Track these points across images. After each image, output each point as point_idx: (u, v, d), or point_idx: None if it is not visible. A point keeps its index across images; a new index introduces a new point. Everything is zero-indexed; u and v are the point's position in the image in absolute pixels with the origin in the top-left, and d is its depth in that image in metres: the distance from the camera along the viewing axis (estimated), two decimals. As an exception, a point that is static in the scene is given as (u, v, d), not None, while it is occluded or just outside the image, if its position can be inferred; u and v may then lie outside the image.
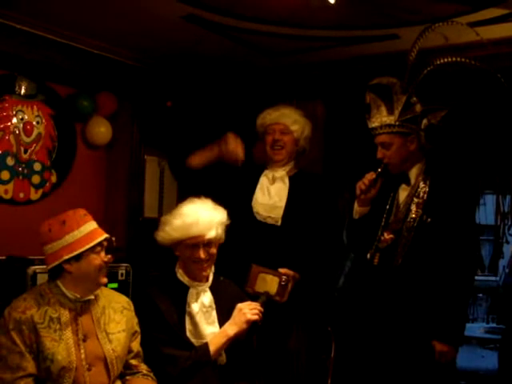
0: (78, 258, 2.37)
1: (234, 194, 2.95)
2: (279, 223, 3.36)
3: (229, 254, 3.00)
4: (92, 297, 2.46)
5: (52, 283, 2.44)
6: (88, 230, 2.41)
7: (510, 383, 4.49)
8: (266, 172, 3.49)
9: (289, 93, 4.14)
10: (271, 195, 3.41)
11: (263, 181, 3.46)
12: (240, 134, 3.56)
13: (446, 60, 2.89)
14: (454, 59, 2.89)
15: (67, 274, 2.40)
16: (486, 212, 4.84)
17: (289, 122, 3.45)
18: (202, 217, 2.70)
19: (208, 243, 2.71)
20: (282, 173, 3.47)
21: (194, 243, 2.69)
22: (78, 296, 2.41)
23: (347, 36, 3.56)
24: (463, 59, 2.89)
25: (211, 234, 2.71)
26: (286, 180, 3.45)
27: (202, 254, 2.70)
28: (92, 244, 2.39)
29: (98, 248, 2.43)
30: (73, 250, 2.36)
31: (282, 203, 3.38)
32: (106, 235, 2.46)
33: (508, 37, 3.42)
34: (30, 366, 2.26)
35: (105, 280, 2.48)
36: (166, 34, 3.64)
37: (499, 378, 5.04)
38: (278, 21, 3.35)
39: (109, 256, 2.47)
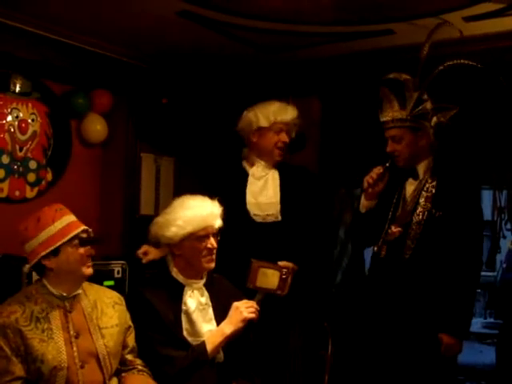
0: (55, 253, 2.36)
1: (224, 198, 2.87)
2: (279, 218, 3.35)
3: (227, 255, 2.99)
4: (80, 291, 2.45)
5: (39, 283, 2.43)
6: (63, 225, 2.38)
7: (508, 378, 4.50)
8: (253, 170, 3.45)
9: (284, 89, 4.13)
10: (263, 193, 3.38)
11: (252, 180, 3.42)
12: (233, 131, 3.53)
13: (457, 62, 2.93)
14: (465, 62, 2.93)
15: (49, 270, 2.39)
16: (482, 208, 4.84)
17: (294, 123, 3.45)
18: (213, 208, 2.76)
19: (216, 233, 2.76)
20: (270, 166, 3.43)
21: (205, 234, 2.71)
22: (65, 294, 2.40)
23: (342, 32, 3.55)
24: (472, 63, 2.93)
25: (219, 223, 2.77)
26: (276, 175, 3.43)
27: (215, 243, 2.74)
28: (67, 238, 2.37)
29: (76, 241, 2.39)
30: (48, 245, 2.35)
31: (277, 198, 3.36)
32: (82, 227, 2.42)
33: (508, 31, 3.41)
34: (18, 369, 2.24)
35: (89, 271, 2.44)
36: (160, 30, 3.63)
37: (497, 373, 5.05)
38: (273, 17, 3.33)
39: (87, 248, 2.42)
